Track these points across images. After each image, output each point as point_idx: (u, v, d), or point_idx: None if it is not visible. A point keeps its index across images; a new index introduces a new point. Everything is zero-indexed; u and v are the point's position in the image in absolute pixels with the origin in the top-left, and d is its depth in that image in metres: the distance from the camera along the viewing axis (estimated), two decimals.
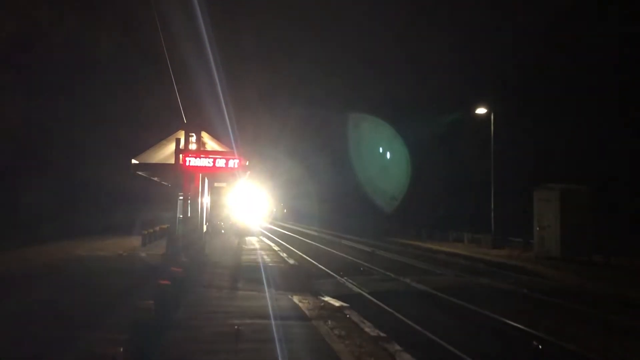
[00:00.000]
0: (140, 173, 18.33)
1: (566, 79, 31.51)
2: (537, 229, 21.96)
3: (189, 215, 16.25)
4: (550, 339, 8.92)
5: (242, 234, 35.26)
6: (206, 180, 19.71)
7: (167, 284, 8.53)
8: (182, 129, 16.20)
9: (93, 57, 31.63)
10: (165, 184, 22.00)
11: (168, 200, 19.55)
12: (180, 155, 15.82)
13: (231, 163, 15.58)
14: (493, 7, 39.13)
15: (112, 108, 33.01)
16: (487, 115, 28.26)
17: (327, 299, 11.95)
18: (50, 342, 7.26)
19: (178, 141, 16.03)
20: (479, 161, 31.05)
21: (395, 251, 26.51)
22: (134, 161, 16.69)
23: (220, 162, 15.54)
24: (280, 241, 33.14)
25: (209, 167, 15.58)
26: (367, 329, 8.92)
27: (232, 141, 17.53)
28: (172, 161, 16.53)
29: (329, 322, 9.36)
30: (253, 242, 30.09)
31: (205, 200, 19.98)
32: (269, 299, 11.32)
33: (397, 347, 7.79)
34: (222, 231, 35.56)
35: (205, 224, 21.24)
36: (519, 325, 9.83)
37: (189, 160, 15.43)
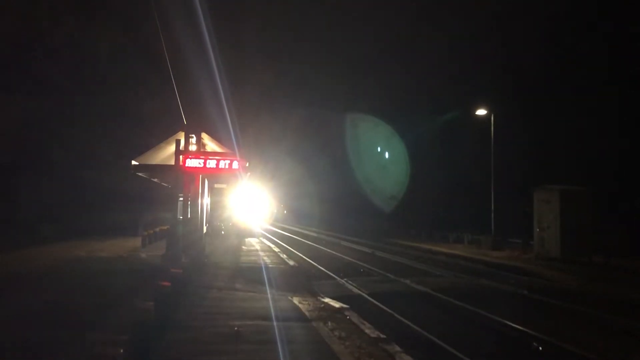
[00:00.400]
0: (140, 174, 18.32)
1: (566, 80, 31.54)
2: (537, 230, 21.96)
3: (189, 216, 16.24)
4: (551, 340, 8.92)
5: (242, 235, 35.26)
6: (206, 182, 19.71)
7: (167, 285, 8.55)
8: (182, 130, 16.19)
9: (93, 58, 31.66)
10: (165, 185, 22.00)
11: (168, 201, 19.53)
12: (180, 157, 15.82)
13: (231, 164, 15.58)
14: (493, 7, 39.12)
15: (112, 109, 33.02)
16: (487, 116, 28.28)
17: (327, 300, 11.95)
18: (50, 343, 7.25)
19: (178, 142, 16.02)
20: (479, 162, 31.07)
21: (395, 252, 26.50)
22: (134, 162, 16.68)
23: (220, 164, 15.53)
24: (280, 242, 33.14)
25: (209, 168, 15.58)
26: (367, 330, 8.92)
27: (233, 142, 17.54)
28: (172, 162, 16.52)
29: (329, 323, 9.36)
30: (253, 243, 30.09)
31: (205, 202, 19.98)
32: (269, 300, 11.32)
33: (397, 349, 7.79)
34: (222, 232, 35.56)
35: (206, 225, 21.23)
36: (519, 327, 9.82)
37: (189, 162, 15.43)
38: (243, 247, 26.74)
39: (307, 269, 19.31)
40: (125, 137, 27.87)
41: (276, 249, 26.36)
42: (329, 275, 17.41)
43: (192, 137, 16.53)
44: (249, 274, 15.85)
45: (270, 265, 18.52)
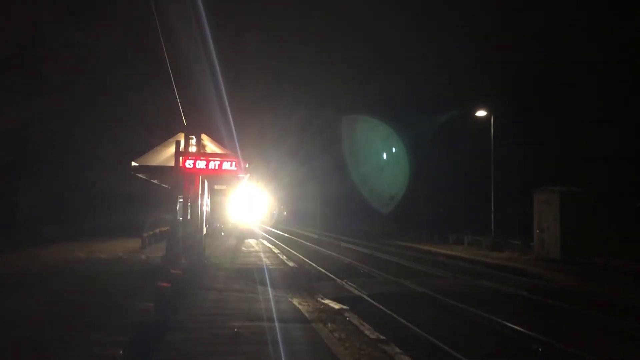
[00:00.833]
0: (140, 175, 18.31)
1: (566, 80, 31.54)
2: (537, 231, 21.97)
3: (188, 217, 16.24)
4: (550, 341, 8.92)
5: (242, 236, 35.22)
6: (206, 183, 19.70)
7: (166, 286, 8.54)
8: (182, 132, 16.19)
9: (94, 59, 31.67)
10: (165, 186, 21.97)
11: (168, 202, 19.53)
12: (180, 158, 15.82)
13: (231, 165, 15.58)
14: (493, 8, 39.18)
15: (112, 110, 33.03)
16: (487, 117, 28.29)
17: (326, 301, 11.95)
18: (50, 344, 7.25)
19: (178, 144, 16.01)
20: (479, 163, 31.07)
21: (395, 253, 26.49)
22: (133, 163, 16.67)
23: (220, 165, 15.54)
24: (280, 244, 33.14)
25: (209, 169, 15.58)
26: (366, 332, 8.92)
27: (233, 144, 17.54)
28: (172, 163, 16.52)
29: (329, 324, 9.36)
30: (253, 244, 30.08)
31: (205, 203, 19.98)
32: (269, 301, 11.32)
33: (397, 350, 7.79)
34: (222, 233, 35.57)
35: (205, 226, 21.22)
36: (518, 328, 9.82)
37: (189, 163, 15.43)
38: (243, 248, 26.73)
39: (306, 270, 19.31)
40: (126, 138, 27.88)
41: (276, 250, 26.35)
42: (328, 276, 17.41)
43: (192, 139, 16.52)
44: (249, 275, 15.85)
45: (270, 267, 18.51)
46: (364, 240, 34.57)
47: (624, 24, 28.74)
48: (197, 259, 16.38)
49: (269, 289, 13.25)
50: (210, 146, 17.91)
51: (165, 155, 17.68)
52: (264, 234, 43.72)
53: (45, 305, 9.81)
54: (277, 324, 8.94)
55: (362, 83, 59.15)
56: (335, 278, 16.80)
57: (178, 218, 17.46)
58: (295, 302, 11.52)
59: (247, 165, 17.29)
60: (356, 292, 14.17)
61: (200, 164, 15.40)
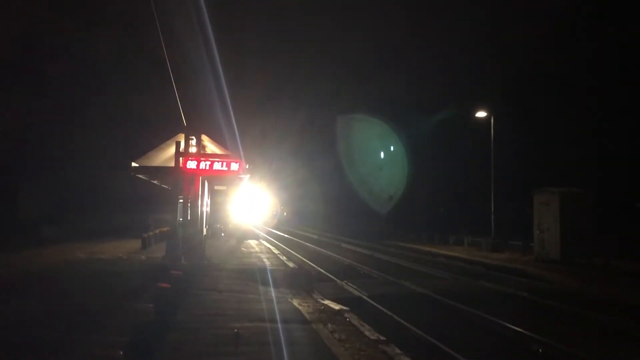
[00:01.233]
0: (140, 176, 18.32)
1: (566, 80, 31.55)
2: (537, 232, 21.97)
3: (188, 218, 16.25)
4: (550, 342, 8.92)
5: (242, 237, 35.19)
6: (206, 183, 19.71)
7: (167, 287, 8.54)
8: (182, 132, 16.21)
9: (94, 59, 31.70)
10: (165, 187, 21.97)
11: (168, 203, 19.50)
12: (180, 159, 15.83)
13: (231, 166, 15.58)
14: (493, 8, 39.17)
15: (112, 110, 33.06)
16: (487, 118, 28.29)
17: (327, 302, 11.94)
18: (50, 344, 7.25)
19: (178, 144, 16.03)
20: (479, 163, 31.07)
21: (395, 254, 26.49)
22: (133, 164, 16.68)
23: (220, 166, 15.54)
24: (281, 244, 33.13)
25: (209, 170, 15.59)
26: (366, 332, 8.92)
27: (233, 144, 17.55)
28: (172, 164, 16.53)
29: (329, 325, 9.36)
30: (253, 245, 30.06)
31: (205, 203, 19.98)
32: (269, 301, 11.32)
33: (397, 351, 7.79)
34: (222, 234, 35.54)
35: (205, 227, 21.22)
36: (518, 329, 9.82)
37: (189, 163, 15.44)
38: (243, 249, 26.72)
39: (307, 270, 19.31)
40: (126, 138, 27.91)
41: (276, 251, 26.34)
42: (328, 277, 17.41)
43: (192, 139, 16.53)
44: (249, 275, 15.84)
45: (270, 267, 18.50)
46: (364, 241, 34.55)
47: (624, 24, 28.76)
48: (197, 259, 16.39)
49: (269, 289, 13.25)
50: (211, 147, 17.92)
51: (166, 155, 17.69)
52: (264, 235, 43.71)
53: (46, 306, 9.81)
54: (277, 325, 8.95)
55: (362, 83, 59.15)
56: (336, 279, 16.80)
57: (178, 219, 17.46)
58: (296, 302, 11.51)
59: (247, 166, 17.31)
60: (356, 293, 14.17)
61: (200, 165, 15.41)
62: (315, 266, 20.55)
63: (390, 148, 54.15)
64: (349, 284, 15.71)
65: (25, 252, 19.80)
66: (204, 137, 17.02)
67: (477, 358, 8.37)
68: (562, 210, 20.85)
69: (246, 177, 20.90)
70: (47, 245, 22.31)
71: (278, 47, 71.24)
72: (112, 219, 32.94)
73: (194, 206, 16.62)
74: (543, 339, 9.10)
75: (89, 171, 31.16)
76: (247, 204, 42.52)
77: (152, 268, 15.45)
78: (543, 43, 33.62)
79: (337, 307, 11.24)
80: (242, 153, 17.00)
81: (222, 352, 7.26)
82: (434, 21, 49.70)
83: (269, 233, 49.11)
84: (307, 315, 10.11)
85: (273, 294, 12.47)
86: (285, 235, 45.69)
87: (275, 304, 11.00)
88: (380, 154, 56.88)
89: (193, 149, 16.64)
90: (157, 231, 25.88)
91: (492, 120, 27.94)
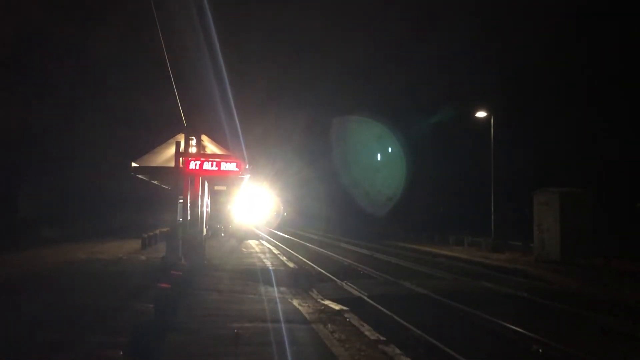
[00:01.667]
0: (140, 176, 18.34)
1: (566, 81, 31.56)
2: (537, 232, 21.96)
3: (189, 218, 16.25)
4: (550, 342, 8.92)
5: (242, 237, 35.23)
6: (206, 184, 19.73)
7: (167, 287, 8.54)
8: (182, 132, 16.22)
9: (95, 59, 31.71)
10: (165, 187, 21.99)
11: (168, 203, 19.53)
12: (180, 159, 15.85)
13: (231, 166, 15.59)
14: (493, 8, 39.17)
15: (112, 111, 33.06)
16: (487, 118, 28.29)
17: (327, 302, 11.95)
18: (49, 345, 7.26)
19: (178, 144, 16.04)
20: (479, 164, 31.05)
21: (395, 254, 26.48)
22: (133, 164, 16.69)
23: (220, 166, 15.55)
24: (281, 244, 33.12)
25: (209, 170, 15.60)
26: (366, 333, 8.93)
27: (236, 144, 17.57)
28: (172, 164, 16.55)
29: (329, 325, 9.37)
30: (253, 245, 30.07)
31: (205, 204, 19.99)
32: (269, 302, 11.33)
33: (397, 351, 7.80)
34: (222, 234, 35.54)
35: (205, 227, 21.24)
36: (518, 329, 9.82)
37: (189, 164, 15.45)
38: (243, 249, 26.73)
39: (307, 271, 19.32)
40: (126, 138, 27.90)
41: (276, 251, 26.36)
42: (328, 277, 17.41)
43: (192, 139, 16.54)
44: (249, 276, 15.85)
45: (270, 268, 18.52)
46: (364, 241, 34.53)
47: (624, 25, 28.76)
48: (198, 260, 16.39)
49: (270, 289, 13.26)
50: (211, 147, 17.94)
51: (166, 156, 17.70)
52: (264, 235, 43.70)
53: (45, 306, 9.81)
54: (277, 325, 8.96)
55: (363, 83, 59.14)
56: (336, 279, 16.80)
57: (178, 219, 17.47)
58: (296, 303, 11.52)
59: (248, 166, 17.32)
60: (356, 293, 14.17)
61: (200, 165, 15.42)
62: (315, 266, 20.55)
63: (389, 149, 54.15)
64: (349, 284, 15.71)
65: (26, 252, 19.81)
66: (204, 137, 17.04)
67: (477, 358, 8.37)
68: (562, 211, 20.84)
69: (246, 177, 20.91)
70: (47, 245, 22.32)
71: (280, 48, 71.29)
72: (112, 219, 32.97)
73: (194, 206, 16.63)
74: (543, 339, 9.10)
75: (89, 171, 31.17)
76: (248, 204, 42.54)
77: (152, 268, 15.46)
78: (543, 43, 33.62)
79: (337, 307, 11.25)
80: (244, 153, 17.03)
81: (222, 352, 7.26)
82: (434, 21, 49.72)
83: (269, 233, 49.11)
84: (307, 316, 10.12)
85: (273, 294, 12.48)
86: (285, 236, 45.69)
87: (275, 304, 11.01)
88: (380, 155, 56.89)
89: (193, 149, 16.66)
90: (157, 231, 25.89)
91: (492, 120, 27.93)
